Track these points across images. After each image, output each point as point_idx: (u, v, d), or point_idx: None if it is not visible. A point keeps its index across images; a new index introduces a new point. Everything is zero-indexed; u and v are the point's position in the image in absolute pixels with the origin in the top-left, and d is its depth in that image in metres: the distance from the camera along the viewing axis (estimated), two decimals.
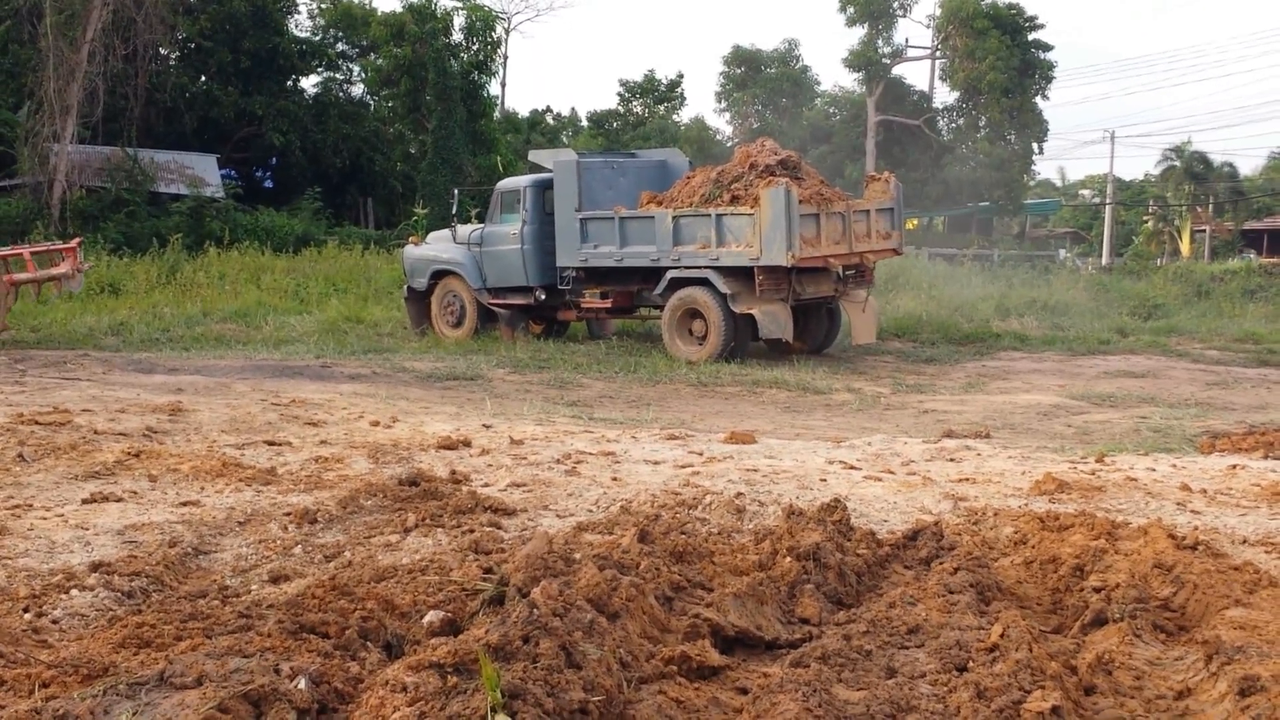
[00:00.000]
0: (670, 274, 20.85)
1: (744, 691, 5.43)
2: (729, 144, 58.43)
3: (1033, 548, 8.54)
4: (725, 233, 20.19)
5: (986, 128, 54.36)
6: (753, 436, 12.96)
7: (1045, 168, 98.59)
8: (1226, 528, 9.47)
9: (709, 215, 20.26)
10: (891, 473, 11.32)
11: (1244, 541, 9.08)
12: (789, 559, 6.96)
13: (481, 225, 23.67)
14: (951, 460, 12.13)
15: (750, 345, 21.24)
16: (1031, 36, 52.90)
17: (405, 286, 24.96)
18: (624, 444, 12.29)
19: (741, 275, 20.26)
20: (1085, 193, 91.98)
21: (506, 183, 23.97)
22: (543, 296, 22.75)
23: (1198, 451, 13.48)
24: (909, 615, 6.19)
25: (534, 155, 24.91)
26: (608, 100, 69.77)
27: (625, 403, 16.49)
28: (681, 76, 58.52)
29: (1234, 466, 12.05)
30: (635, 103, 58.33)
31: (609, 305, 22.38)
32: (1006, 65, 50.77)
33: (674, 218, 20.61)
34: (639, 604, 6.05)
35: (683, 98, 58.49)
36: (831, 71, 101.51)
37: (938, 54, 55.55)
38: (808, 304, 20.90)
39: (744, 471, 10.83)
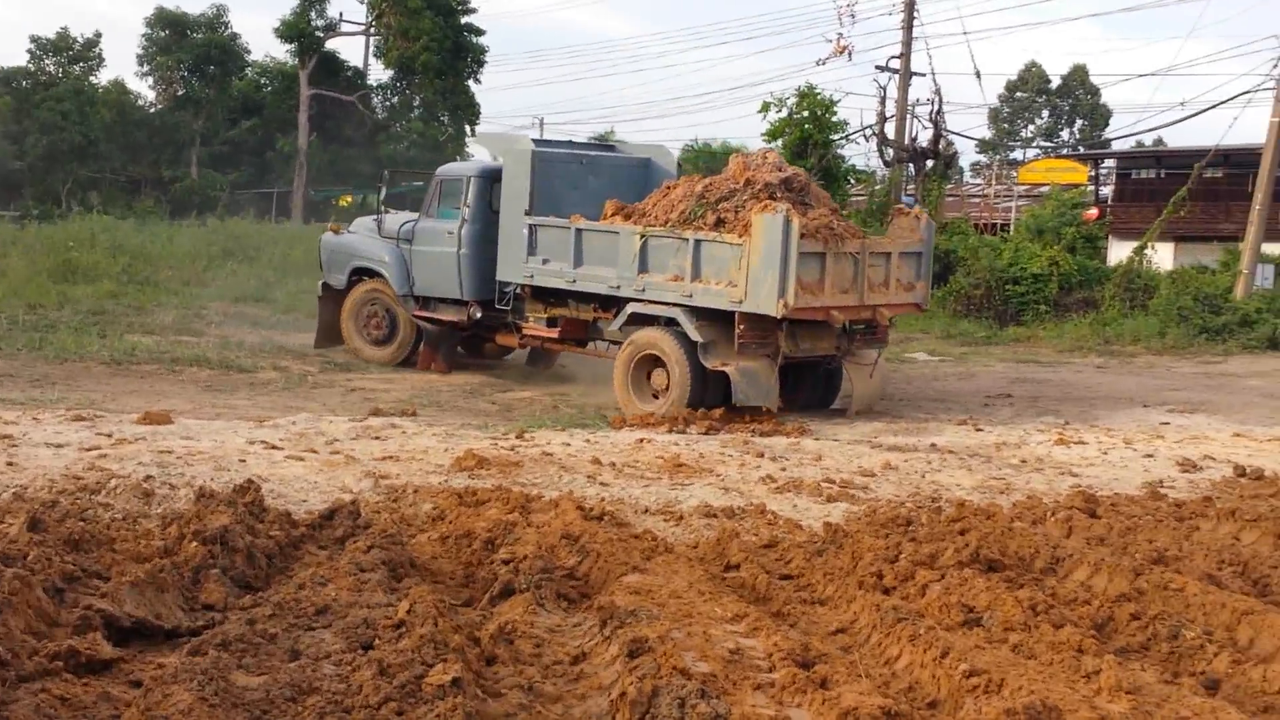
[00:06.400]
0: (631, 307, 16.25)
1: (138, 684, 5.15)
2: (151, 109, 55.79)
3: (450, 523, 8.69)
4: (704, 264, 15.57)
5: (420, 107, 54.91)
6: (169, 417, 12.39)
7: (480, 150, 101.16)
8: (631, 498, 10.03)
9: (686, 240, 15.65)
10: (315, 452, 11.17)
11: (646, 511, 9.65)
12: (195, 543, 6.69)
13: (415, 217, 19.21)
14: (376, 438, 12.14)
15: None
16: (464, 20, 53.90)
17: (320, 284, 20.30)
18: (24, 426, 11.40)
19: (720, 320, 15.53)
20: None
21: (448, 169, 19.66)
22: (478, 314, 18.26)
23: (610, 427, 14.18)
24: (318, 596, 6.11)
25: (481, 137, 20.47)
26: (17, 57, 64.68)
27: (28, 382, 15.30)
28: (99, 35, 54.72)
29: (641, 440, 12.79)
30: (48, 61, 54.35)
31: (555, 335, 17.68)
32: (440, 46, 51.44)
33: (642, 237, 16.05)
34: (24, 597, 5.61)
35: (101, 58, 54.79)
36: (263, 41, 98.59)
37: (372, 31, 55.46)
38: (801, 362, 16.31)
39: (157, 454, 10.32)
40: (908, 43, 36.24)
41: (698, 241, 15.51)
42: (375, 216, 20.21)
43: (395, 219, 19.57)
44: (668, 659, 5.25)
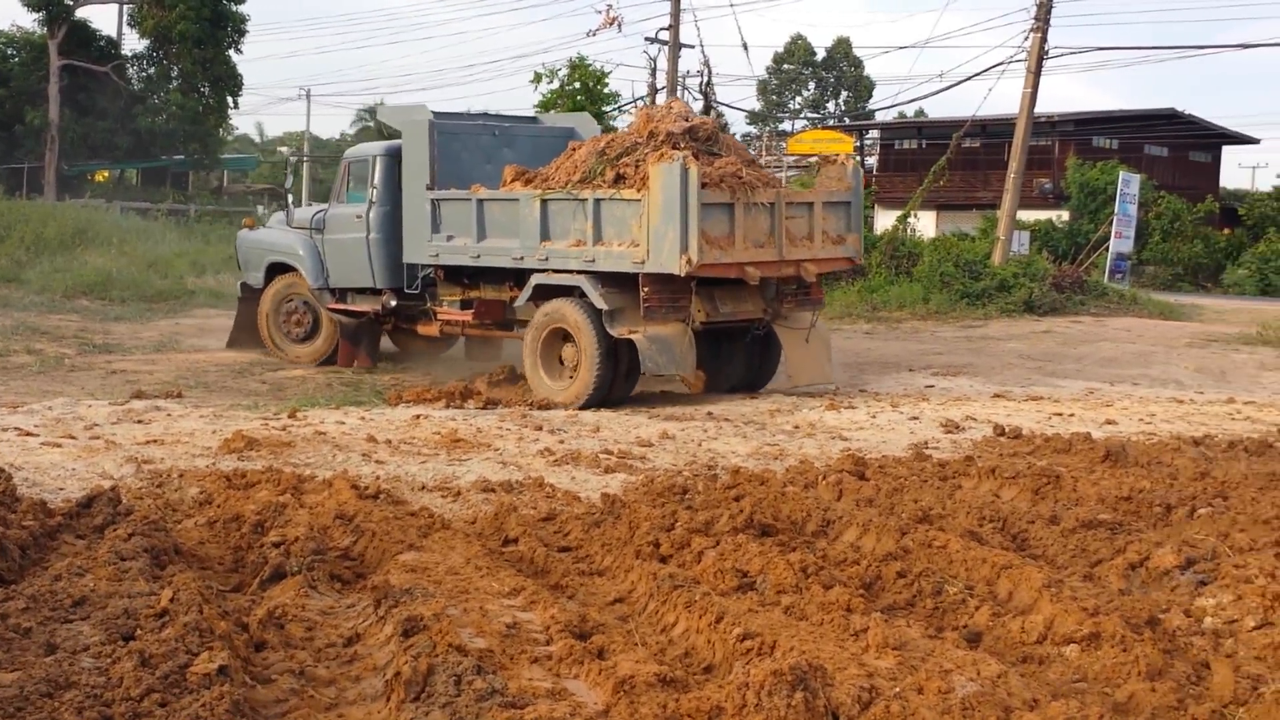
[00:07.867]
0: (535, 279, 15.01)
1: None
2: None
3: (217, 507, 8.45)
4: (605, 225, 14.43)
5: (179, 79, 52.99)
6: None
7: (243, 123, 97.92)
8: (408, 475, 9.91)
9: (585, 200, 14.49)
10: (73, 438, 10.75)
11: (423, 488, 9.54)
12: None
13: (325, 205, 18.13)
14: (139, 422, 11.75)
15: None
16: None
17: (240, 284, 19.11)
18: None
19: (627, 285, 14.38)
20: (284, 149, 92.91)
21: (355, 151, 18.60)
22: (392, 303, 17.00)
23: (386, 404, 13.99)
24: (76, 587, 5.85)
25: (384, 113, 18.55)
26: None
27: None
28: None
29: (418, 416, 12.66)
30: None
31: (468, 318, 16.20)
32: (198, 15, 49.76)
33: (542, 202, 14.86)
34: None
35: None
36: (8, 9, 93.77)
37: None
38: (729, 327, 15.27)
39: None
40: (676, 14, 36.65)
41: (596, 201, 14.46)
42: (284, 209, 19.22)
43: (306, 210, 18.61)
44: (443, 636, 5.19)
